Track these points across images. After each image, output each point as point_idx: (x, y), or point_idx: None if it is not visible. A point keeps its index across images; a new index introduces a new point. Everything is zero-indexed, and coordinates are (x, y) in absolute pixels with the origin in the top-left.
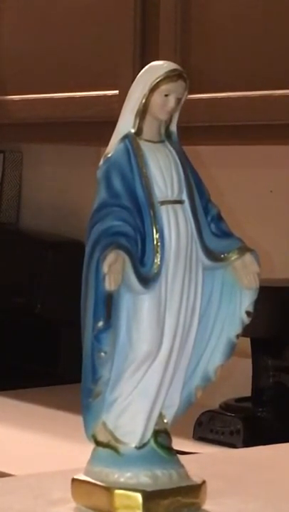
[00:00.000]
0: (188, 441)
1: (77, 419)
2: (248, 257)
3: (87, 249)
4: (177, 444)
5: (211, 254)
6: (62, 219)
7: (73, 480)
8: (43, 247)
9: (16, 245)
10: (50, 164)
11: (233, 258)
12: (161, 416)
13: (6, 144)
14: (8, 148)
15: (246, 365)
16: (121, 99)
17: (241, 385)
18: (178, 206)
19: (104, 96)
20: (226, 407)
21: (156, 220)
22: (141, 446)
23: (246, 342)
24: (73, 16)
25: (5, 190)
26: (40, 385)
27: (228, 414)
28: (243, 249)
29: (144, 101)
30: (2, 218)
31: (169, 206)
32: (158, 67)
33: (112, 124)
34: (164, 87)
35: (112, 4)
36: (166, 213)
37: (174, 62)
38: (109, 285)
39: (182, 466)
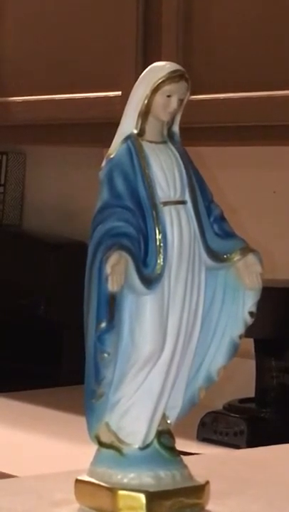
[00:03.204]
0: (191, 442)
1: (81, 421)
2: (250, 258)
3: (90, 250)
4: (181, 445)
5: (214, 255)
6: (65, 220)
7: (76, 481)
8: (47, 248)
9: (19, 247)
10: (53, 165)
11: (235, 258)
12: (164, 417)
13: (9, 145)
14: (11, 149)
15: (249, 366)
16: (123, 100)
17: (245, 386)
18: (180, 207)
19: (107, 97)
20: (229, 408)
21: (158, 220)
22: (144, 447)
23: (249, 343)
24: (75, 16)
25: (8, 191)
26: (43, 386)
27: (232, 415)
28: (246, 250)
29: (146, 102)
30: (5, 220)
31: (172, 207)
32: (160, 68)
33: (114, 125)
34: (166, 88)
35: (114, 5)
36: (168, 214)
37: (176, 63)
38: (112, 286)
39: (185, 466)
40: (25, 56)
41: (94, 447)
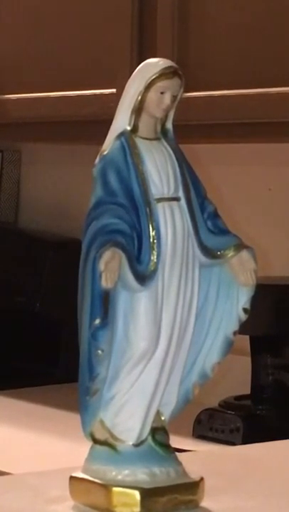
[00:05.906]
0: (187, 440)
1: (76, 418)
2: (244, 254)
3: (84, 247)
4: (177, 442)
5: (208, 252)
6: (60, 218)
7: (71, 478)
8: (42, 246)
9: (14, 244)
10: (49, 163)
11: (229, 255)
12: (158, 413)
13: (4, 143)
14: (6, 147)
15: (245, 363)
16: (118, 97)
17: (241, 383)
18: (174, 203)
19: (102, 95)
20: (225, 405)
21: (152, 217)
22: (138, 444)
23: (245, 340)
24: (70, 14)
25: (3, 189)
26: (40, 384)
27: (228, 412)
28: (240, 247)
29: (139, 98)
30: (1, 217)
31: (166, 203)
32: (153, 65)
33: (109, 122)
34: (160, 84)
35: (109, 3)
36: (162, 211)
37: (172, 60)
38: (105, 283)
39: (180, 463)
40: (20, 54)
41: (89, 444)
